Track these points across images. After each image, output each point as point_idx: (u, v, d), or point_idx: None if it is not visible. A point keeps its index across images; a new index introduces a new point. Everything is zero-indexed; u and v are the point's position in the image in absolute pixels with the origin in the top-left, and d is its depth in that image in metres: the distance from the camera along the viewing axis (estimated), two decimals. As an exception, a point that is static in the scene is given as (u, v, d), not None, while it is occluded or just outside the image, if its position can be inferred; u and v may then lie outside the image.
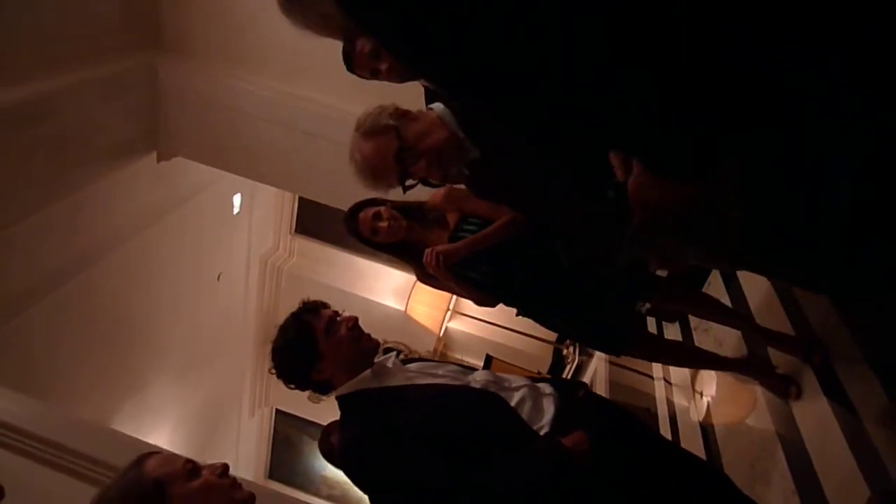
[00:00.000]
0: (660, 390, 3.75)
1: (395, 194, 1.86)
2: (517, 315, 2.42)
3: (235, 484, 1.30)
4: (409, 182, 1.67)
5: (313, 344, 1.57)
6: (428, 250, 2.11)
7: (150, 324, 5.07)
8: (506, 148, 1.61)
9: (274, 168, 4.19)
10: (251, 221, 6.30)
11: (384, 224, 2.20)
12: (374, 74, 2.19)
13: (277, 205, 6.71)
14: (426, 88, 2.20)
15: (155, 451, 1.33)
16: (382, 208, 2.22)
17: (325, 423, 2.53)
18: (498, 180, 1.80)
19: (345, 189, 4.14)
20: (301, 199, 6.77)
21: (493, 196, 1.98)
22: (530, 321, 2.42)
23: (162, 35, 4.03)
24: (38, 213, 3.46)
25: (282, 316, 1.69)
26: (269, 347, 1.65)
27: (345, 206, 4.49)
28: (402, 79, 2.17)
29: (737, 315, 2.62)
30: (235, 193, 5.86)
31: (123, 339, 4.77)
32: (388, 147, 1.63)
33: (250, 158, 4.16)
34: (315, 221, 6.78)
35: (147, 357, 5.18)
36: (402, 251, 2.29)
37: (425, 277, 2.32)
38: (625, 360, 5.11)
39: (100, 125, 3.72)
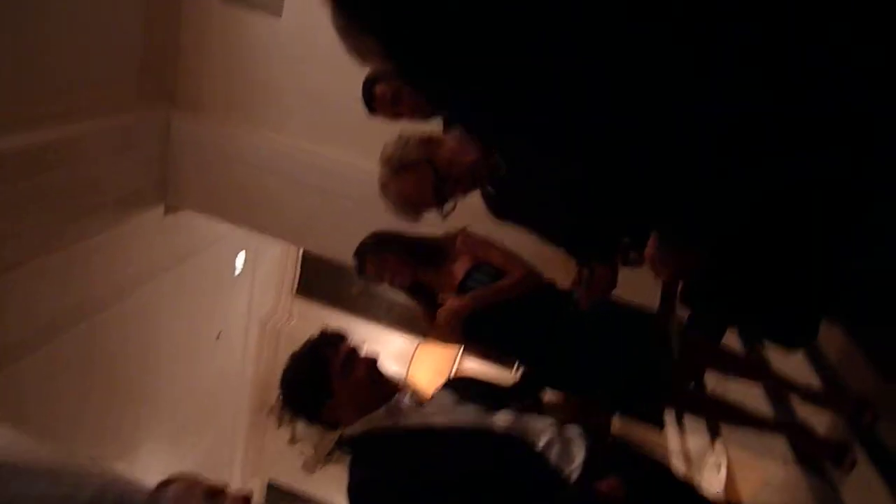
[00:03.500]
0: (676, 464, 3.57)
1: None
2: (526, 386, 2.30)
3: None
4: (447, 208, 1.63)
5: (326, 383, 1.47)
6: (441, 311, 2.08)
7: (146, 382, 4.90)
8: (533, 161, 1.56)
9: (282, 221, 4.16)
10: (253, 282, 6.22)
11: (388, 278, 2.21)
12: (397, 116, 2.21)
13: (280, 265, 6.65)
14: (446, 121, 2.19)
15: (175, 478, 1.21)
16: (390, 259, 2.19)
17: (318, 496, 2.33)
18: (522, 198, 1.74)
19: (351, 243, 4.14)
20: (304, 261, 6.73)
21: (515, 217, 1.91)
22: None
23: (177, 90, 4.09)
24: (36, 260, 3.39)
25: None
26: (265, 412, 1.54)
27: (349, 259, 4.49)
28: (426, 117, 2.17)
29: (763, 367, 2.45)
30: (239, 253, 5.81)
31: (118, 398, 4.60)
32: (425, 180, 1.59)
33: (259, 211, 4.14)
34: (317, 283, 6.71)
35: (141, 418, 4.98)
36: (412, 292, 2.24)
37: (433, 327, 2.26)
38: (636, 432, 4.93)
39: (108, 175, 3.71)
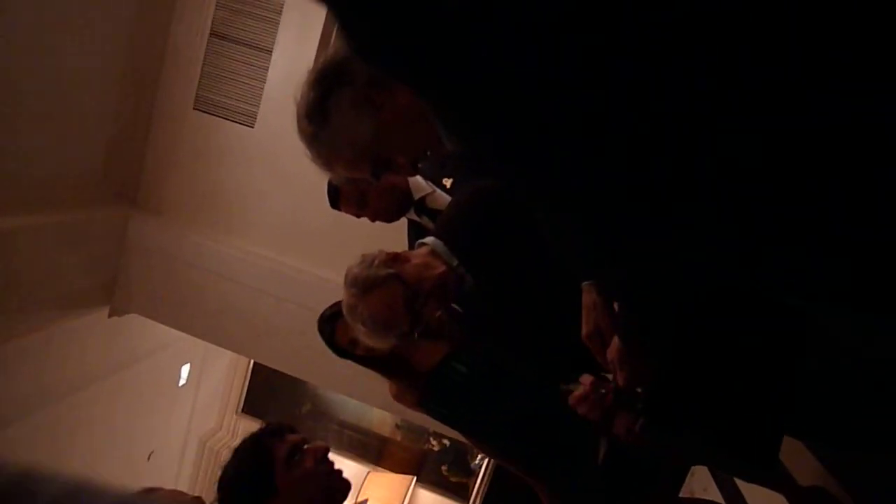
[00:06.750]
0: None
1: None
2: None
3: None
4: (419, 328, 1.54)
5: (269, 476, 1.31)
6: None
7: None
8: (506, 270, 1.51)
9: (234, 331, 3.98)
10: (196, 396, 5.88)
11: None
12: (360, 215, 2.17)
13: (227, 381, 6.34)
14: (411, 223, 2.17)
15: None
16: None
17: None
18: (491, 314, 1.67)
19: (307, 357, 3.95)
20: (252, 378, 6.44)
21: (487, 336, 1.82)
22: None
23: (140, 191, 4.05)
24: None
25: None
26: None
27: (305, 375, 4.29)
28: (390, 220, 2.15)
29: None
30: (185, 364, 5.53)
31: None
32: (395, 297, 1.50)
33: (210, 319, 3.97)
34: (264, 402, 6.40)
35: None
36: (382, 365, 2.06)
37: (400, 396, 2.09)
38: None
39: (55, 271, 3.54)
